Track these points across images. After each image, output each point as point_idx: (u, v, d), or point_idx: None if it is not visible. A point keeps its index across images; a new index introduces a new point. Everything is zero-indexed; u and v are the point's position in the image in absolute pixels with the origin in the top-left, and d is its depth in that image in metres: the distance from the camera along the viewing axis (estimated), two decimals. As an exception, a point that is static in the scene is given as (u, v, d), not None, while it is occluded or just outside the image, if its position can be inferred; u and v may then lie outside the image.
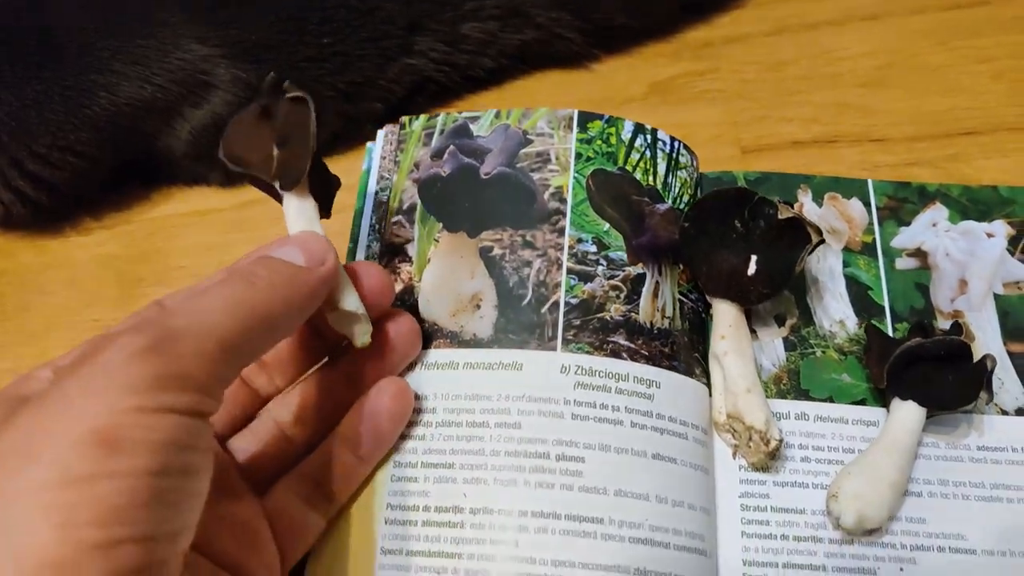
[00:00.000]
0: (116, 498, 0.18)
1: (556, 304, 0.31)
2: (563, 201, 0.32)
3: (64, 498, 0.17)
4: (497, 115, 0.34)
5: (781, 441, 0.30)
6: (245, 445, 0.28)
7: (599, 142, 0.34)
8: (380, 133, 0.36)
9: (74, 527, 0.17)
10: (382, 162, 0.35)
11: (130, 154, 0.39)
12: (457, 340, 0.30)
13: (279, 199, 0.28)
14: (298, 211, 0.27)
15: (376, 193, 0.34)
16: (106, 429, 0.18)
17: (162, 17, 0.37)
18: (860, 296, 0.34)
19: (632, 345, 0.30)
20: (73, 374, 0.20)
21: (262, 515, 0.27)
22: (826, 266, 0.35)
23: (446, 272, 0.31)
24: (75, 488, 0.18)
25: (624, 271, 0.32)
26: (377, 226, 0.33)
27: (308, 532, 0.28)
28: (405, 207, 0.33)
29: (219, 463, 0.23)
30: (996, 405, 0.32)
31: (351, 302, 0.27)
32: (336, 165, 0.29)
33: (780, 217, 0.31)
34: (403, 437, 0.29)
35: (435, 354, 0.30)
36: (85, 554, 0.17)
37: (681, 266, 0.33)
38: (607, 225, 0.32)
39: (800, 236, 0.31)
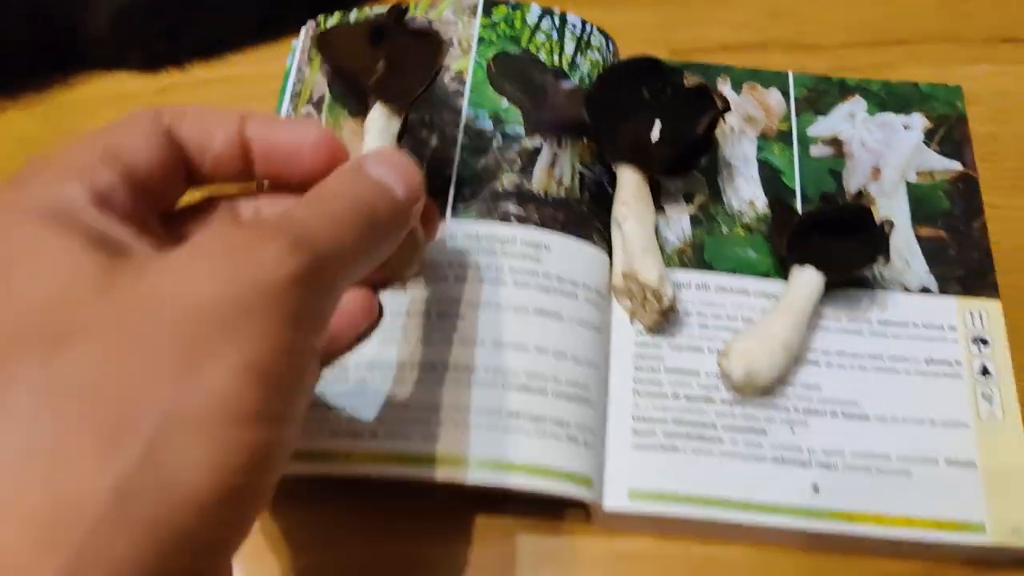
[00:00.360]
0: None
1: (448, 178, 0.31)
2: (463, 83, 0.33)
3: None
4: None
5: (674, 299, 0.29)
6: None
7: (503, 25, 0.34)
8: (302, 30, 0.37)
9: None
10: (300, 57, 0.36)
11: (47, 35, 0.39)
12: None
13: (362, 111, 0.28)
14: (385, 127, 0.27)
15: (292, 86, 0.35)
16: (264, 365, 0.17)
17: None
18: (772, 179, 0.34)
19: (522, 212, 0.31)
20: (213, 274, 0.17)
21: None
22: (740, 151, 0.34)
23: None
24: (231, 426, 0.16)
25: (520, 144, 0.32)
26: (289, 112, 0.34)
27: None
28: (315, 99, 0.34)
29: None
30: (900, 283, 0.32)
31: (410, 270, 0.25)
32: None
33: (687, 85, 0.31)
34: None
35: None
36: None
37: (586, 140, 0.33)
38: (506, 102, 0.33)
39: (706, 104, 0.31)
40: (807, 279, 0.30)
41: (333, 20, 0.36)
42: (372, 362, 0.28)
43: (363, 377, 0.28)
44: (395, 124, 0.28)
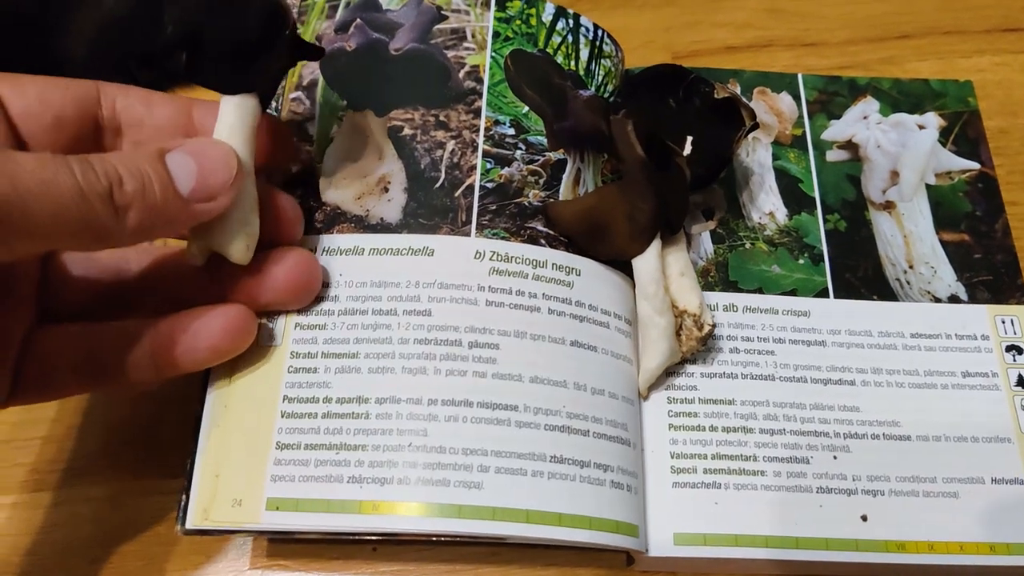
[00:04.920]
0: None
1: (471, 188, 0.29)
2: (479, 81, 0.30)
3: None
4: (409, -9, 0.32)
5: (714, 326, 0.28)
6: (83, 266, 0.26)
7: (518, 22, 0.32)
8: None
9: None
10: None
11: (24, 60, 0.36)
12: (363, 224, 0.28)
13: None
14: (234, 115, 0.24)
15: None
16: None
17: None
18: (790, 188, 0.33)
19: (551, 232, 0.29)
20: None
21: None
22: (755, 159, 0.33)
23: (351, 152, 0.29)
24: None
25: (544, 156, 0.30)
26: (274, 103, 0.30)
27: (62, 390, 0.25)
28: (305, 83, 0.30)
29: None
30: (929, 293, 0.31)
31: (237, 246, 0.24)
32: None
33: (717, 96, 0.30)
34: (301, 327, 0.27)
35: (338, 239, 0.28)
36: None
37: (606, 155, 0.31)
38: (526, 108, 0.30)
39: (734, 118, 0.29)
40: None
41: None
42: (395, 396, 0.25)
43: (387, 413, 0.25)
44: (248, 109, 0.24)
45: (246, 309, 0.25)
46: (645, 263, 0.27)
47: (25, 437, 0.30)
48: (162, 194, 0.21)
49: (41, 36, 0.35)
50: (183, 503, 0.25)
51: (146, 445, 0.30)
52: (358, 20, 0.31)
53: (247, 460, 0.25)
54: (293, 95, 0.30)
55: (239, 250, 0.24)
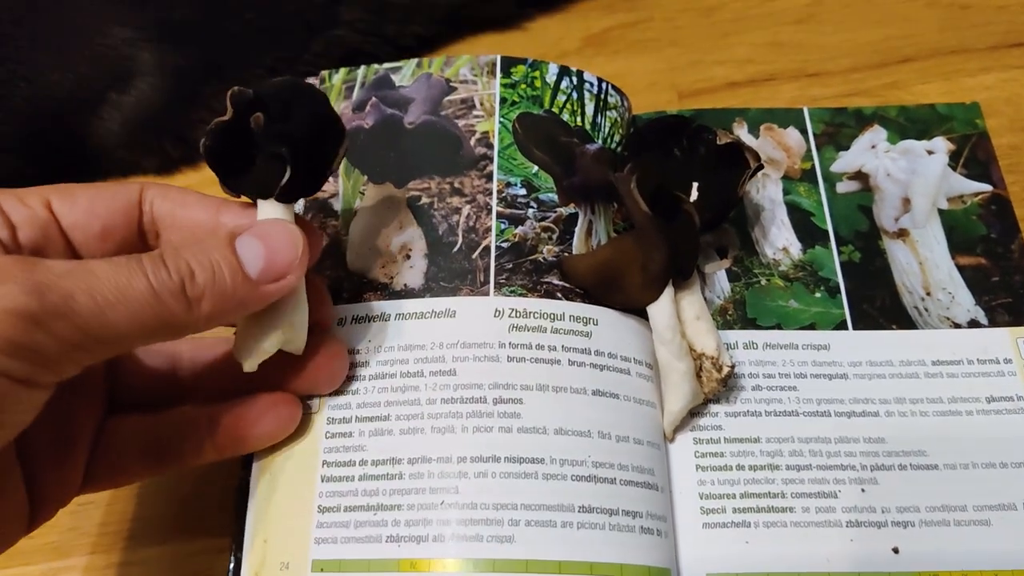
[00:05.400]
0: None
1: (487, 249, 0.30)
2: (490, 146, 0.32)
3: None
4: (419, 64, 0.34)
5: (733, 367, 0.29)
6: (143, 357, 0.28)
7: (523, 86, 0.33)
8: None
9: None
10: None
11: (59, 146, 0.39)
12: (388, 292, 0.29)
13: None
14: (276, 210, 0.25)
15: None
16: None
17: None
18: (803, 222, 0.33)
19: (566, 285, 0.30)
20: None
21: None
22: (766, 195, 0.34)
23: (373, 224, 0.31)
24: None
25: (555, 212, 0.31)
26: None
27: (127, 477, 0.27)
28: None
29: None
30: (948, 319, 0.31)
31: (300, 339, 0.25)
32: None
33: (719, 143, 0.31)
34: (336, 393, 0.28)
35: (366, 307, 0.29)
36: None
37: (616, 205, 0.32)
38: (536, 168, 0.32)
39: (739, 161, 0.30)
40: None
41: (338, 76, 0.34)
42: (426, 456, 0.26)
43: (419, 472, 0.26)
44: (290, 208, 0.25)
45: (293, 398, 0.27)
46: (660, 310, 0.28)
47: (83, 502, 0.32)
48: (232, 280, 0.22)
49: (82, 119, 0.37)
50: (232, 567, 0.26)
51: (196, 508, 0.31)
52: (373, 98, 0.32)
53: (292, 524, 0.27)
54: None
55: (302, 341, 0.25)
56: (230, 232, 0.23)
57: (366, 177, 0.32)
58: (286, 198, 0.25)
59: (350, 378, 0.28)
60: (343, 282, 0.30)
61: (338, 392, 0.28)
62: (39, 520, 0.25)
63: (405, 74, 0.34)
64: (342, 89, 0.34)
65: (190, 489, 0.31)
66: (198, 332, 0.23)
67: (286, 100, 0.25)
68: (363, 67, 0.34)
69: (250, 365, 0.25)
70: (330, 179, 0.32)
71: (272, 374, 0.27)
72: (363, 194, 0.31)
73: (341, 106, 0.33)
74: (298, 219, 0.27)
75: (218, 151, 0.24)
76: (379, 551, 0.26)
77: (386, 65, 0.34)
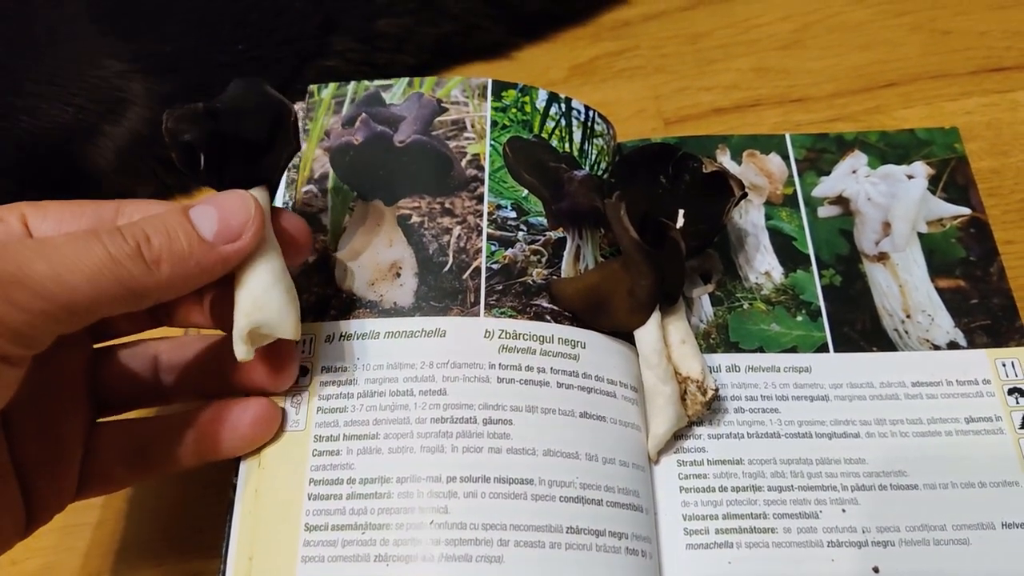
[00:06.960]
0: None
1: (478, 270, 0.30)
2: (480, 168, 0.32)
3: None
4: (410, 83, 0.34)
5: (717, 390, 0.29)
6: (123, 361, 0.28)
7: (514, 110, 0.34)
8: (296, 107, 0.36)
9: None
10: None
11: (59, 173, 0.39)
12: (377, 309, 0.30)
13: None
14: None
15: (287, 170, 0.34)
16: None
17: (71, 31, 0.37)
18: (784, 247, 0.34)
19: (555, 307, 0.30)
20: None
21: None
22: (749, 220, 0.34)
23: (363, 241, 0.31)
24: None
25: (545, 236, 0.31)
26: (287, 197, 0.33)
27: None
28: (316, 176, 0.33)
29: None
30: (928, 340, 0.32)
31: (289, 323, 0.25)
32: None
33: (705, 171, 0.31)
34: (323, 411, 0.28)
35: (354, 324, 0.29)
36: None
37: (603, 230, 0.33)
38: (526, 191, 0.32)
39: (724, 190, 0.31)
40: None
41: (328, 91, 0.35)
42: (415, 475, 0.27)
43: (408, 492, 0.27)
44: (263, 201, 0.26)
45: (269, 401, 0.27)
46: (647, 334, 0.29)
47: (76, 523, 0.32)
48: (187, 241, 0.23)
49: (80, 148, 0.37)
50: (219, 585, 0.27)
51: (188, 527, 0.31)
52: (363, 115, 0.33)
53: (278, 542, 0.27)
54: (305, 188, 0.32)
55: (293, 326, 0.26)
56: (183, 205, 0.24)
57: (356, 193, 0.32)
58: (240, 182, 0.26)
59: (338, 396, 0.28)
60: (331, 299, 0.30)
61: (326, 410, 0.28)
62: (35, 525, 0.26)
63: (396, 92, 0.34)
64: (331, 103, 0.34)
65: (185, 507, 0.32)
66: (166, 298, 0.24)
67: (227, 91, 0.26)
68: (353, 83, 0.35)
69: (240, 352, 0.25)
70: (317, 194, 0.32)
71: (233, 371, 0.27)
72: (352, 210, 0.32)
73: (331, 121, 0.34)
74: (283, 211, 0.28)
75: (185, 162, 0.25)
76: (366, 570, 0.26)
77: (377, 82, 0.34)
